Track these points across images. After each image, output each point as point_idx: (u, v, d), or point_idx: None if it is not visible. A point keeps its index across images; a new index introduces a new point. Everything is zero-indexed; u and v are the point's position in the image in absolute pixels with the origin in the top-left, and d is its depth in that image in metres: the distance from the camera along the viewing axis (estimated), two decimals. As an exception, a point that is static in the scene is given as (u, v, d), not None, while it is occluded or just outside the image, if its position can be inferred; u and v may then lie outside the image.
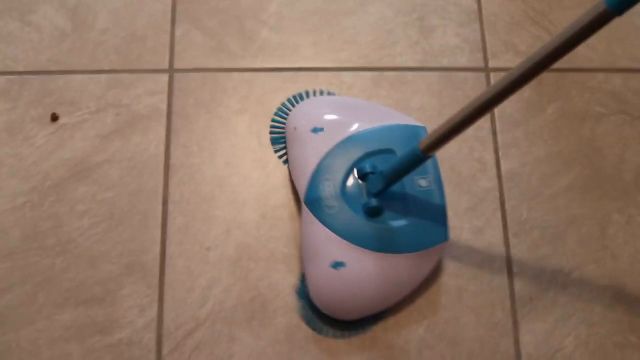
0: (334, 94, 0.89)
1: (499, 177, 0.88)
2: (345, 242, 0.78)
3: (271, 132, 0.88)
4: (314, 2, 0.95)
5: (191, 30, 0.94)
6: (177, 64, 0.93)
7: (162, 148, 0.89)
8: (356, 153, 0.81)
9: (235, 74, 0.92)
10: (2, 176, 0.89)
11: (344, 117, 0.85)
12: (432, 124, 0.82)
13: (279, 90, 0.91)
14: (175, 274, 0.84)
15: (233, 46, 0.93)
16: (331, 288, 0.79)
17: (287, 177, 0.87)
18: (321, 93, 0.89)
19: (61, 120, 0.90)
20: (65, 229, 0.87)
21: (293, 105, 0.88)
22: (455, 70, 0.92)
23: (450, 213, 0.84)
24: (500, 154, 0.89)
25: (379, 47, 0.93)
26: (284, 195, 0.87)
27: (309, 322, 0.82)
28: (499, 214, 0.86)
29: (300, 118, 0.86)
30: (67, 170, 0.89)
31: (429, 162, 0.79)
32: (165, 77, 0.92)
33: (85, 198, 0.88)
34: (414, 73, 0.92)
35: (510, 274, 0.84)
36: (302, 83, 0.90)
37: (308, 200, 0.80)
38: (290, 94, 0.91)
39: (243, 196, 0.87)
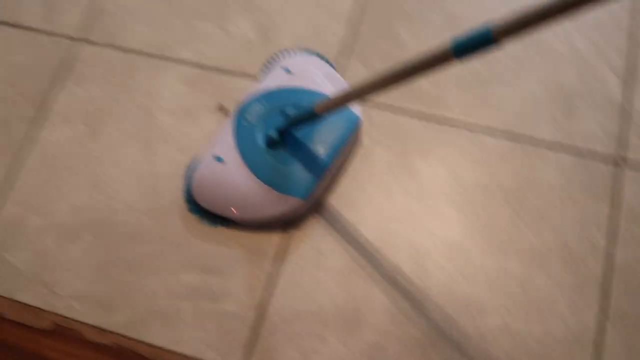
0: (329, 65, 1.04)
1: (611, 265, 0.92)
2: (235, 148, 0.94)
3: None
4: (472, 65, 1.04)
5: (359, 65, 1.05)
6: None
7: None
8: (298, 99, 0.96)
9: (389, 114, 1.02)
10: (170, 148, 1.02)
11: (313, 77, 0.99)
12: (554, 199, 0.88)
13: (423, 134, 1.00)
14: (289, 269, 0.94)
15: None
16: (205, 173, 0.95)
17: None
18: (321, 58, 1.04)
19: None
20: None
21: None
22: (588, 156, 0.97)
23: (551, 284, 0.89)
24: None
25: (523, 119, 1.00)
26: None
27: (190, 210, 0.98)
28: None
29: (286, 59, 1.03)
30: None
31: (336, 140, 0.94)
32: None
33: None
34: (548, 149, 0.98)
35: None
36: (448, 134, 0.99)
37: (239, 110, 0.97)
38: (430, 143, 0.99)
39: (364, 217, 0.95)
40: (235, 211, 0.94)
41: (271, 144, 0.94)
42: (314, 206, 0.96)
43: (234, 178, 0.93)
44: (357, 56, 1.06)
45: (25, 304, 0.95)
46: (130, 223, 0.98)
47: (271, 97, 0.97)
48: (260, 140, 0.94)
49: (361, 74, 1.04)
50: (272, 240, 0.95)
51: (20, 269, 0.97)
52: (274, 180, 0.93)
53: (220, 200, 0.95)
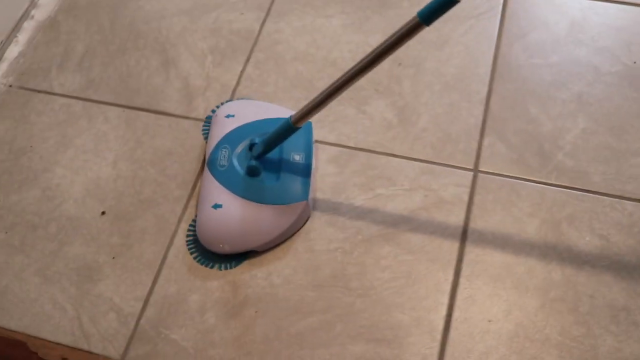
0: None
1: None
2: (226, 190, 1.02)
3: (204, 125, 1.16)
4: (606, 141, 1.10)
5: (497, 142, 1.11)
6: (482, 167, 1.09)
7: (460, 230, 1.04)
8: (253, 132, 1.06)
9: (530, 184, 1.07)
10: (323, 223, 1.06)
11: (253, 110, 1.11)
12: None
13: (566, 204, 1.05)
14: (457, 335, 0.96)
15: (531, 161, 1.09)
16: (209, 224, 1.02)
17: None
18: None
19: (378, 191, 1.08)
20: (368, 277, 1.01)
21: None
22: None
23: None
24: None
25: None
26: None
27: (197, 259, 1.05)
28: None
29: (221, 109, 1.13)
30: (377, 230, 1.05)
31: (305, 144, 1.06)
32: (469, 175, 1.08)
33: (389, 256, 1.03)
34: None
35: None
36: (588, 203, 1.04)
37: (208, 161, 1.06)
38: (576, 211, 1.04)
39: (526, 284, 0.99)
40: (257, 240, 1.02)
41: (253, 172, 1.02)
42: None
43: (240, 213, 1.01)
44: (492, 133, 1.11)
45: (193, 381, 0.95)
46: (292, 297, 1.00)
47: (231, 138, 1.07)
48: (242, 174, 1.03)
49: (498, 147, 1.10)
50: (438, 310, 0.98)
51: (184, 347, 0.98)
52: (274, 198, 1.01)
53: (238, 239, 1.02)
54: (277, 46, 1.26)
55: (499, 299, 0.98)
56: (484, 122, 1.13)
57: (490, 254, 1.01)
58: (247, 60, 1.25)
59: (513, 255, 1.01)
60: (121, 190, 1.12)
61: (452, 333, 0.96)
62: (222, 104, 1.17)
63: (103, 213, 1.10)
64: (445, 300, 0.98)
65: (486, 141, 1.11)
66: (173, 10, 1.33)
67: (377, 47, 0.82)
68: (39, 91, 1.26)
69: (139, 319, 1.01)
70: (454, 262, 1.01)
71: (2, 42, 1.29)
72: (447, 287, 0.99)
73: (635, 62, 1.17)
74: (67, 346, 1.00)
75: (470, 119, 1.13)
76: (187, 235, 1.07)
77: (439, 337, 0.96)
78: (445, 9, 0.75)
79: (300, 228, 1.06)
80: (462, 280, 0.99)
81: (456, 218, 1.04)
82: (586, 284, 0.98)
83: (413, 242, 1.03)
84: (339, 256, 1.03)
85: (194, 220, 1.07)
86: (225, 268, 1.04)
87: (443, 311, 0.98)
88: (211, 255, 1.04)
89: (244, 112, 1.11)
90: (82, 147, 1.18)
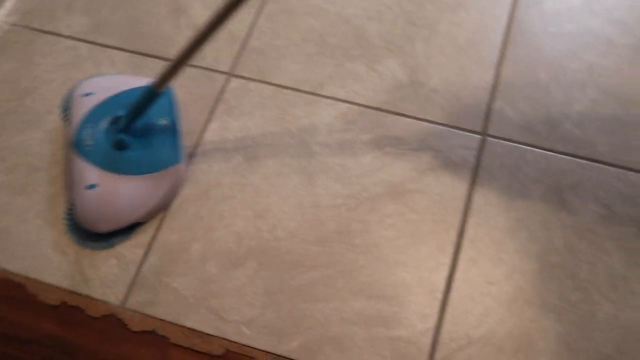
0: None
1: None
2: (97, 168, 0.99)
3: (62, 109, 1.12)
4: (614, 112, 1.10)
5: (505, 107, 1.11)
6: (490, 131, 1.09)
7: (465, 192, 1.04)
8: (115, 106, 1.04)
9: (537, 151, 1.07)
10: (329, 179, 1.06)
11: (111, 85, 1.08)
12: None
13: (571, 173, 1.05)
14: (458, 296, 0.97)
15: (539, 128, 1.09)
16: (90, 206, 0.99)
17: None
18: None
19: (386, 149, 1.07)
20: (372, 235, 1.02)
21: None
22: None
23: None
24: None
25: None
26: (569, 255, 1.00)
27: (77, 241, 1.02)
28: None
29: (78, 89, 1.10)
30: (383, 188, 1.05)
31: (168, 108, 1.05)
32: (477, 138, 1.08)
33: (394, 214, 1.03)
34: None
35: None
36: (593, 172, 1.05)
37: (74, 143, 1.02)
38: (581, 180, 1.05)
39: (527, 248, 1.00)
40: (138, 212, 1.01)
41: (121, 145, 1.00)
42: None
43: (117, 189, 0.99)
44: (501, 98, 1.11)
45: (194, 330, 0.96)
46: (296, 251, 1.00)
47: (93, 116, 1.04)
48: (110, 149, 1.00)
49: (507, 112, 1.10)
50: (440, 270, 0.99)
51: (185, 295, 0.97)
52: (147, 167, 1.01)
53: (120, 215, 1.00)
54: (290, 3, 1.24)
55: (501, 262, 0.99)
56: (494, 86, 1.13)
57: (494, 217, 1.01)
58: (260, 11, 1.23)
59: (516, 220, 1.01)
60: (127, 136, 1.11)
61: (453, 293, 0.97)
62: (79, 83, 1.13)
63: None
64: (447, 261, 0.99)
65: (495, 106, 1.11)
66: None
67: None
68: (45, 31, 1.24)
69: (140, 266, 1.01)
70: (458, 224, 1.01)
71: (8, -21, 1.27)
72: (450, 249, 1.00)
73: (648, 35, 1.17)
74: (67, 290, 1.00)
75: (481, 82, 1.13)
76: (66, 224, 1.04)
77: (439, 296, 0.97)
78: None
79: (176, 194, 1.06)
80: (465, 242, 1.00)
81: (463, 180, 1.05)
82: (587, 251, 0.99)
83: (418, 202, 1.03)
84: (343, 212, 1.03)
85: (70, 209, 1.04)
86: (113, 245, 1.03)
87: (445, 272, 0.98)
88: (96, 235, 1.02)
89: (103, 87, 1.08)
90: (88, 91, 1.16)
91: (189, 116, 1.12)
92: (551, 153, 1.06)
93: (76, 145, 1.02)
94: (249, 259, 1.00)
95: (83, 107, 1.06)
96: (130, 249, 1.02)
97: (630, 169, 1.05)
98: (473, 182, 1.04)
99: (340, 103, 1.12)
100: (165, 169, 1.01)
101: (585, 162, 1.06)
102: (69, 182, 1.03)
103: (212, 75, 1.16)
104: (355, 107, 1.11)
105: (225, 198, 1.05)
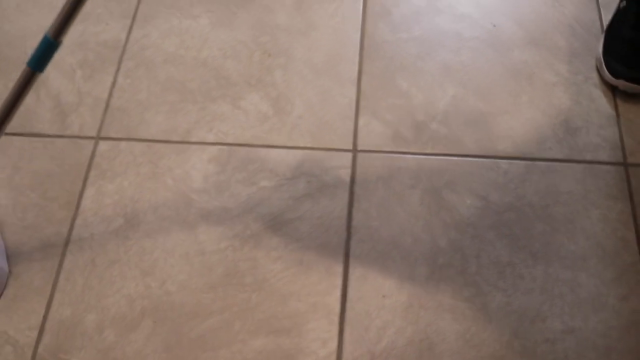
0: None
1: None
2: None
3: None
4: (475, 105, 1.13)
5: (372, 120, 1.13)
6: (360, 146, 1.11)
7: (345, 211, 1.06)
8: None
9: (408, 157, 1.10)
10: (210, 224, 1.06)
11: None
12: (579, 207, 0.98)
13: (445, 172, 1.08)
14: (354, 315, 0.98)
15: (407, 134, 1.11)
16: None
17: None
18: None
19: (261, 184, 1.08)
20: (261, 270, 1.02)
21: None
22: (597, 163, 1.08)
23: (597, 281, 0.97)
24: None
25: (531, 142, 1.10)
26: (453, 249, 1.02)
27: None
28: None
29: None
30: (264, 223, 1.06)
31: None
32: (349, 156, 1.10)
33: (279, 246, 1.04)
34: (561, 164, 1.08)
35: None
36: (466, 167, 1.08)
37: None
38: (455, 177, 1.07)
39: (414, 255, 1.02)
40: None
41: None
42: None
43: None
44: (366, 112, 1.13)
45: (99, 402, 0.95)
46: (189, 302, 1.00)
47: None
48: None
49: (374, 125, 1.12)
50: (333, 293, 1.00)
51: (86, 368, 0.96)
52: None
53: None
54: (146, 51, 1.24)
55: (390, 274, 1.00)
56: (358, 102, 1.15)
57: (377, 230, 1.03)
58: (117, 70, 1.23)
59: (398, 229, 1.03)
60: (2, 219, 1.09)
61: (349, 313, 0.98)
62: None
63: (-15, 245, 1.07)
64: (338, 282, 1.00)
65: (361, 121, 1.13)
66: (35, 28, 1.30)
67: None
68: None
69: (35, 348, 0.99)
70: (342, 244, 1.02)
71: None
72: (339, 269, 1.01)
73: (494, 25, 1.20)
74: (-33, 387, 0.97)
75: (344, 101, 1.15)
76: None
77: (336, 319, 0.97)
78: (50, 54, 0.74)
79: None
80: (353, 260, 1.01)
81: (340, 200, 1.06)
82: (471, 245, 1.02)
83: (301, 230, 1.04)
84: (229, 254, 1.03)
85: None
86: None
87: (338, 293, 0.99)
88: None
89: None
90: (-44, 181, 1.14)
91: (63, 187, 1.10)
92: (422, 156, 1.09)
93: None
94: (145, 318, 0.99)
95: None
96: (23, 332, 1.00)
97: (499, 157, 1.07)
98: (351, 200, 1.06)
99: (210, 146, 1.12)
100: None
101: (455, 158, 1.08)
102: None
103: (80, 143, 1.15)
104: (226, 148, 1.12)
105: (112, 262, 1.04)
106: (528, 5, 1.25)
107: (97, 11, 1.31)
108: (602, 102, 1.13)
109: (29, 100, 1.20)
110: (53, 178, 1.11)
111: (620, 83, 1.11)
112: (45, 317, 1.00)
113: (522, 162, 1.08)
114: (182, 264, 1.03)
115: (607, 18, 1.23)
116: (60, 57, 1.25)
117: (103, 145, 1.15)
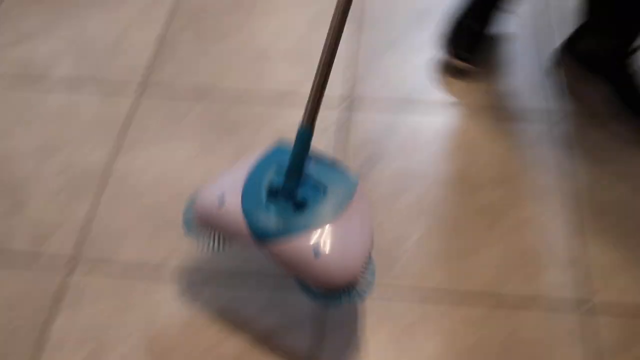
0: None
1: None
2: (304, 235, 0.92)
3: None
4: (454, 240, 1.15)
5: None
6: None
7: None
8: (256, 186, 0.97)
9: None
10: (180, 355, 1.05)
11: (231, 177, 1.01)
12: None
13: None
14: None
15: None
16: (327, 268, 0.92)
17: None
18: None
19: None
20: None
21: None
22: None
23: None
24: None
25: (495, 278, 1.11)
26: None
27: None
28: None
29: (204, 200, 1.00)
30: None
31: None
32: None
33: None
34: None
35: None
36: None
37: (259, 237, 0.94)
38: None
39: None
40: (367, 243, 0.96)
41: (301, 204, 0.95)
42: None
43: (336, 239, 0.93)
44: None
45: None
46: None
47: (250, 205, 0.96)
48: (294, 215, 0.95)
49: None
50: None
51: None
52: (340, 202, 0.96)
53: (357, 256, 0.95)
54: (127, 180, 1.27)
55: None
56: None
57: None
58: (98, 196, 1.25)
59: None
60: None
61: None
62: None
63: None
64: None
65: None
66: (22, 150, 1.33)
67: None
68: None
69: None
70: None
71: None
72: None
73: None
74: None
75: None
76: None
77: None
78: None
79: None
80: None
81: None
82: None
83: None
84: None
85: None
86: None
87: None
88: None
89: (227, 185, 1.01)
90: None
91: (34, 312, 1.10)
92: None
93: (264, 237, 0.94)
94: None
95: (231, 209, 0.96)
96: None
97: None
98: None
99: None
100: (353, 192, 0.97)
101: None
102: (286, 269, 0.95)
103: (53, 271, 1.16)
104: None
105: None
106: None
107: (83, 136, 1.34)
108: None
109: (9, 222, 1.21)
110: (22, 304, 1.11)
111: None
112: None
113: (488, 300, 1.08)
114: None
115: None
116: (43, 181, 1.27)
117: (77, 272, 1.15)
